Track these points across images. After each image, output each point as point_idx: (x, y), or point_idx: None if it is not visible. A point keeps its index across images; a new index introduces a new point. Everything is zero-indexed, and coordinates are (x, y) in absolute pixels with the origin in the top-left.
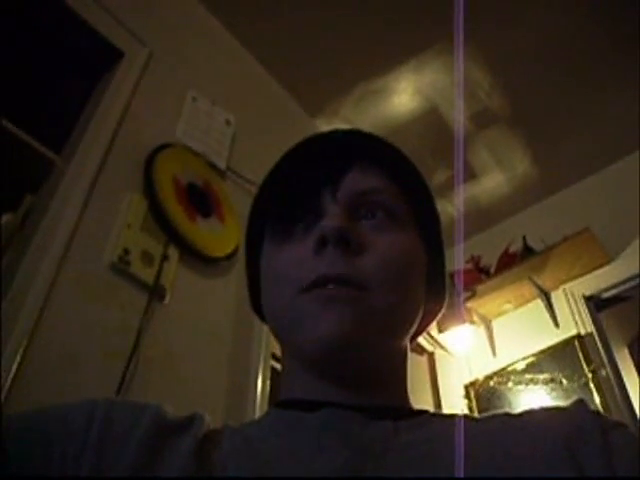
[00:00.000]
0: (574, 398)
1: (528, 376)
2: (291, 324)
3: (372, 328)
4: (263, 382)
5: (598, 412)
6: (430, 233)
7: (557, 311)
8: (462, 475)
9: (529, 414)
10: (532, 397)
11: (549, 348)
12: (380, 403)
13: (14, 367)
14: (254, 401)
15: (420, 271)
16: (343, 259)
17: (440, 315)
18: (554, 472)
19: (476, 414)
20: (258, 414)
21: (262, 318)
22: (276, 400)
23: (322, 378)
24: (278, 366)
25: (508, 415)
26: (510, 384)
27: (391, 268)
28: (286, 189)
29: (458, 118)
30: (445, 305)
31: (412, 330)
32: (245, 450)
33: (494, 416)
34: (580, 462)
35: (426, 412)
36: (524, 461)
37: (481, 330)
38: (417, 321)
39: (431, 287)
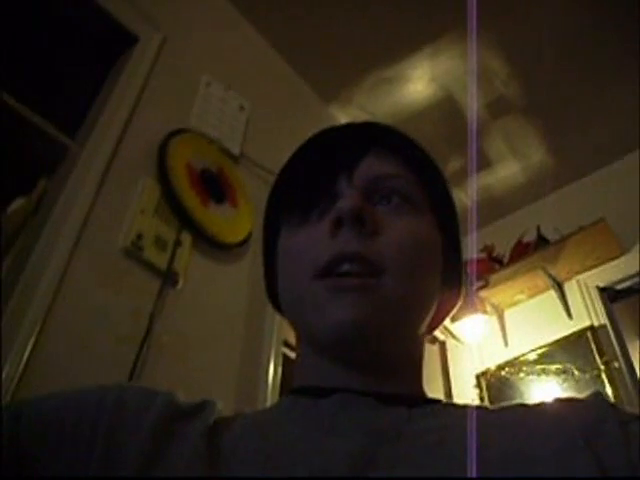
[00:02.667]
0: (586, 389)
1: (540, 367)
2: (306, 309)
3: (386, 316)
4: (275, 369)
5: (615, 404)
6: (446, 220)
7: (570, 302)
8: (474, 464)
9: (544, 405)
10: (544, 388)
11: (562, 339)
12: (394, 390)
13: (27, 352)
14: (265, 387)
15: (436, 258)
16: (359, 238)
17: (458, 306)
18: (571, 464)
19: (487, 404)
20: (269, 400)
21: (277, 307)
22: (289, 387)
23: (336, 364)
24: (290, 353)
25: (523, 406)
26: (522, 374)
27: (407, 251)
28: (303, 175)
29: (472, 106)
30: (462, 295)
31: (428, 318)
32: (256, 434)
33: (508, 407)
34: (598, 454)
35: (440, 401)
36: (539, 452)
37: (493, 320)
38: (433, 309)
39: (447, 275)
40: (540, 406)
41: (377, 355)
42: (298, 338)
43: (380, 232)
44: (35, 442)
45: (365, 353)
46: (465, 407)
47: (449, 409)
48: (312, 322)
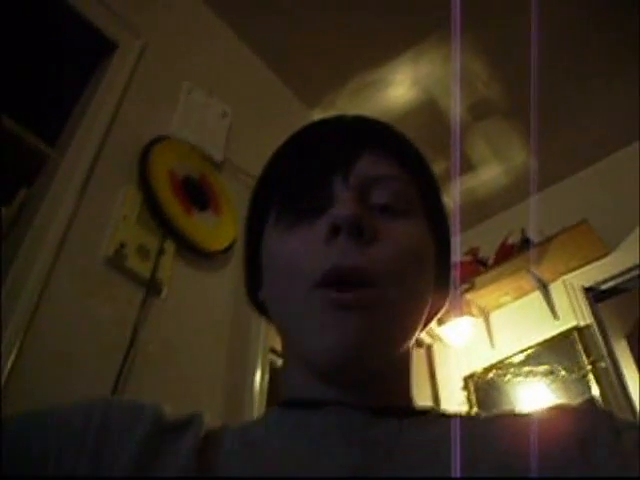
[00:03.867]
0: (574, 390)
1: (527, 368)
2: (301, 323)
3: (385, 337)
4: (261, 376)
5: (610, 412)
6: (438, 224)
7: (556, 303)
8: (463, 475)
9: (537, 414)
10: (531, 389)
11: (548, 340)
12: (385, 402)
13: (9, 363)
14: (252, 395)
15: (430, 264)
16: (356, 249)
17: (443, 310)
18: (568, 474)
19: (475, 406)
20: (257, 408)
21: (259, 309)
22: (277, 397)
23: (327, 379)
24: (276, 359)
25: (515, 414)
26: (509, 376)
27: (405, 261)
28: (294, 173)
29: (456, 109)
30: (449, 298)
31: (420, 327)
32: (247, 451)
33: (501, 415)
34: (593, 465)
35: (430, 411)
36: (533, 466)
37: (480, 322)
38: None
39: (438, 280)
40: (532, 415)
41: (369, 373)
42: (285, 346)
43: (377, 240)
44: (17, 462)
45: (357, 373)
46: (456, 416)
47: (441, 419)
48: (308, 340)
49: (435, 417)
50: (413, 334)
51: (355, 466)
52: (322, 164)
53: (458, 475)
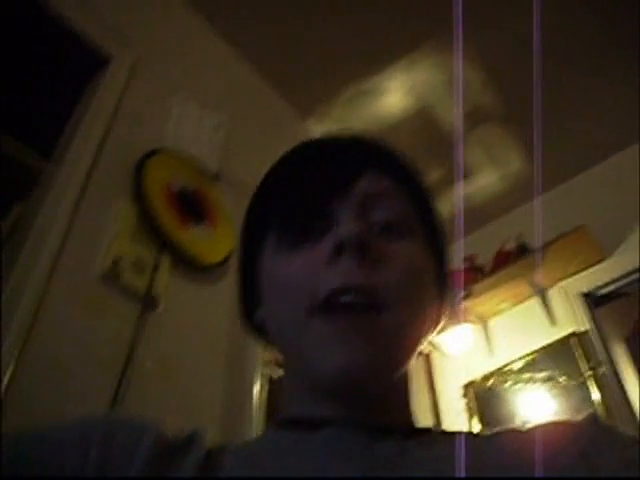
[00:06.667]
0: (573, 396)
1: (526, 375)
2: (303, 345)
3: (390, 360)
4: (260, 389)
5: (612, 427)
6: (437, 242)
7: (554, 309)
8: None
9: (539, 430)
10: (531, 396)
11: (547, 346)
12: (386, 421)
13: (6, 379)
14: (251, 408)
15: (431, 282)
16: (361, 268)
17: (441, 324)
18: None
19: (475, 414)
20: (256, 421)
21: (256, 331)
22: (277, 410)
23: (330, 399)
24: (274, 373)
25: (517, 431)
26: (508, 383)
27: (409, 282)
28: (295, 193)
29: (453, 117)
30: (445, 311)
31: (422, 346)
32: (248, 469)
33: (501, 432)
34: (598, 476)
35: (431, 430)
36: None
37: (478, 329)
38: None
39: (437, 296)
40: (534, 432)
41: (371, 394)
42: (287, 365)
43: (382, 260)
44: None
45: (359, 395)
46: (457, 435)
47: (441, 438)
48: (311, 361)
49: (436, 436)
50: (415, 353)
51: None
52: (323, 184)
53: None
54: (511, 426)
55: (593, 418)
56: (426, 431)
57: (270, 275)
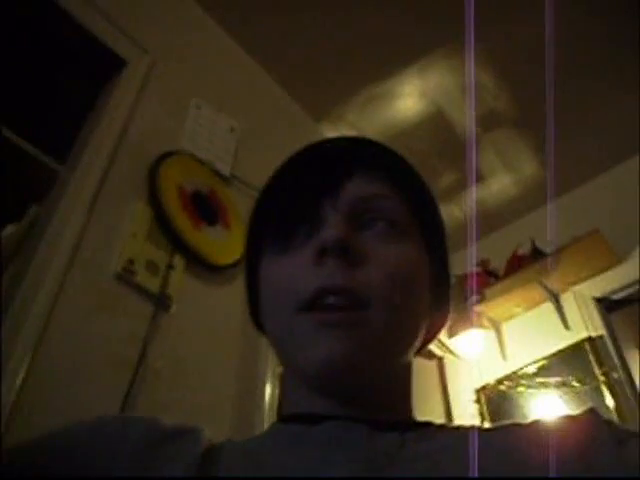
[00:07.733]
0: (587, 402)
1: (539, 380)
2: (290, 342)
3: (373, 351)
4: (272, 389)
5: (611, 421)
6: (435, 242)
7: (567, 313)
8: None
9: (539, 424)
10: (544, 401)
11: (560, 351)
12: (385, 417)
13: (19, 379)
14: (263, 408)
15: (424, 284)
16: (343, 270)
17: (445, 327)
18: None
19: (487, 419)
20: (268, 421)
21: (262, 331)
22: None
23: (324, 395)
24: None
25: (517, 425)
26: (521, 388)
27: (394, 282)
28: (285, 198)
29: (467, 121)
30: (449, 317)
31: (417, 344)
32: (246, 465)
33: (503, 427)
34: (596, 472)
35: (431, 424)
36: (537, 473)
37: (491, 334)
38: (421, 335)
39: (436, 298)
40: (534, 425)
41: (364, 387)
42: (283, 364)
43: (366, 262)
44: None
45: (352, 387)
46: (458, 429)
47: (442, 432)
48: (297, 357)
49: (436, 429)
50: (407, 351)
51: (356, 477)
52: (312, 188)
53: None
54: (512, 421)
55: (593, 413)
56: (426, 425)
57: (264, 278)
